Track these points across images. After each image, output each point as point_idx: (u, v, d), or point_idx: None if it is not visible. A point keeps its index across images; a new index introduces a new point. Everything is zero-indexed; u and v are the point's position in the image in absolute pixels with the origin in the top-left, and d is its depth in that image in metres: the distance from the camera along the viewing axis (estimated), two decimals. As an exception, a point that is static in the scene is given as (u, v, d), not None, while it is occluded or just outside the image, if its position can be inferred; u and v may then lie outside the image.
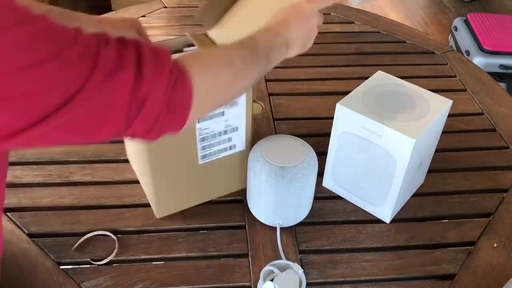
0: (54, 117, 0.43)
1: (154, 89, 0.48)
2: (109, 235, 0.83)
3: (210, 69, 0.56)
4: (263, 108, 1.11)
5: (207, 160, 0.82)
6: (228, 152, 0.84)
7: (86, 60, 0.44)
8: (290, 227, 0.85)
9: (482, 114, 1.14)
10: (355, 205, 0.90)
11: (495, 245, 0.84)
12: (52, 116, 0.43)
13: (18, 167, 0.95)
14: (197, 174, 0.83)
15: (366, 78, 0.88)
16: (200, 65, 0.55)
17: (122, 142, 1.00)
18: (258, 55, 0.62)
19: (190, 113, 0.53)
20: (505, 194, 0.94)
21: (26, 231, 0.83)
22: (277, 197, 0.78)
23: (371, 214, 0.89)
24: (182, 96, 0.52)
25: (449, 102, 0.84)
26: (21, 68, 0.40)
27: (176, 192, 0.84)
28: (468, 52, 2.09)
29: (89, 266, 0.79)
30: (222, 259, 0.81)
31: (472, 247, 0.84)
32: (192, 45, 0.81)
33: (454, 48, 2.19)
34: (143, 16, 1.47)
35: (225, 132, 0.81)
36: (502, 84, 2.03)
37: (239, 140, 0.84)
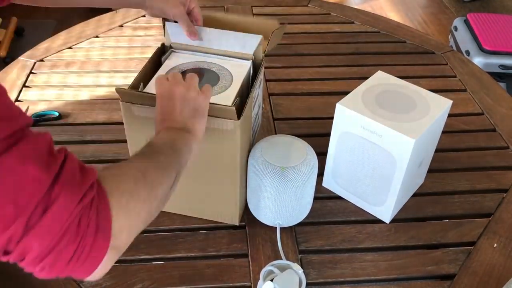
0: None
1: (62, 199, 0.42)
2: (109, 235, 0.83)
3: (126, 188, 0.50)
4: (263, 108, 1.11)
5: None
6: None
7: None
8: (290, 227, 0.85)
9: (482, 114, 1.14)
10: (355, 205, 0.90)
11: (495, 245, 0.84)
12: None
13: (18, 167, 0.95)
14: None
15: (366, 78, 0.88)
16: (116, 185, 0.49)
17: (122, 142, 1.00)
18: (165, 154, 0.59)
19: (109, 243, 0.46)
20: (505, 194, 0.94)
21: (26, 231, 0.83)
22: (277, 197, 0.78)
23: (371, 214, 0.89)
24: (98, 223, 0.45)
25: (449, 102, 0.84)
26: None
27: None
28: (468, 52, 2.09)
29: (89, 266, 0.78)
30: (222, 259, 0.81)
31: (472, 247, 0.84)
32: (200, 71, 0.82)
33: (454, 48, 2.19)
34: (143, 16, 1.47)
35: (257, 113, 0.87)
36: (502, 84, 2.03)
37: (260, 115, 0.92)
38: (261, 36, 0.80)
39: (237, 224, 0.85)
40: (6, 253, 0.43)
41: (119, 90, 0.72)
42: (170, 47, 0.87)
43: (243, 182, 0.82)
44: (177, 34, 0.85)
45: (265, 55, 0.84)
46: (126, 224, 0.48)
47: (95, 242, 0.45)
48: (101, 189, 0.47)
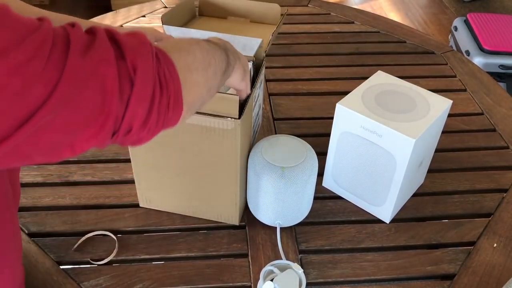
0: (40, 114, 0.38)
1: (139, 61, 0.44)
2: (109, 235, 0.83)
3: (182, 47, 0.54)
4: (263, 108, 1.11)
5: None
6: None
7: (58, 41, 0.39)
8: (290, 227, 0.85)
9: (482, 114, 1.14)
10: (355, 205, 0.90)
11: (495, 245, 0.84)
12: (37, 114, 0.37)
13: (18, 167, 0.95)
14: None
15: (366, 78, 0.88)
16: (171, 45, 0.52)
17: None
18: (218, 47, 0.60)
19: (182, 91, 0.50)
20: (505, 194, 0.94)
21: (26, 231, 0.83)
22: (277, 197, 0.78)
23: (371, 214, 0.89)
24: (169, 70, 0.48)
25: (449, 102, 0.84)
26: None
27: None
28: (468, 52, 2.09)
29: (89, 266, 0.79)
30: (222, 259, 0.81)
31: (472, 247, 0.84)
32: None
33: (454, 48, 2.19)
34: (143, 16, 1.47)
35: (258, 113, 0.86)
36: (502, 84, 2.03)
37: (261, 115, 0.91)
38: (261, 40, 0.81)
39: (237, 224, 0.85)
40: (113, 134, 0.45)
41: None
42: None
43: (243, 182, 0.82)
44: (175, 36, 0.85)
45: (266, 55, 0.85)
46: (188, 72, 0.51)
47: (174, 89, 0.49)
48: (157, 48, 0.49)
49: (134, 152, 0.81)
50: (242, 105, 0.74)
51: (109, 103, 0.42)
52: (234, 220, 0.85)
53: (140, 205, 0.88)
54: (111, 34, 0.45)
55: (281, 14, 0.93)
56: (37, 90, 0.37)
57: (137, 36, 0.47)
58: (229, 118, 0.71)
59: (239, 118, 0.71)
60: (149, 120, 0.46)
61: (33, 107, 0.37)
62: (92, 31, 0.44)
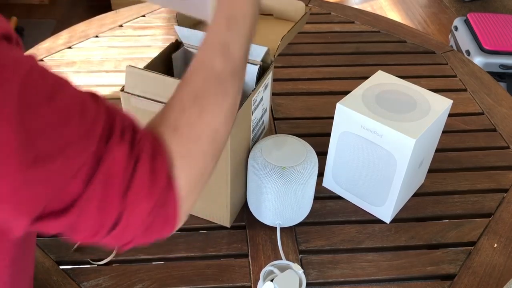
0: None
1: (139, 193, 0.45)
2: (109, 235, 0.83)
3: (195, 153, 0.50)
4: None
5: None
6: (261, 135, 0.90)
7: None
8: (290, 227, 0.85)
9: (482, 114, 1.14)
10: (355, 205, 0.90)
11: (495, 245, 0.84)
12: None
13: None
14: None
15: (366, 78, 0.88)
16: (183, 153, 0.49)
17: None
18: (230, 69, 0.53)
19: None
20: (505, 194, 0.94)
21: (26, 231, 0.83)
22: (277, 197, 0.78)
23: (371, 214, 0.89)
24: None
25: (449, 102, 0.84)
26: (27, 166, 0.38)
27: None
28: (468, 52, 2.09)
29: (89, 266, 0.78)
30: (222, 259, 0.81)
31: (472, 247, 0.84)
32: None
33: (455, 48, 2.19)
34: (143, 16, 1.47)
35: (261, 117, 0.85)
36: (503, 84, 2.03)
37: (266, 119, 0.89)
38: (266, 48, 0.79)
39: (228, 226, 0.85)
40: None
41: (130, 67, 0.72)
42: (182, 44, 0.86)
43: (237, 184, 0.82)
44: (187, 37, 0.84)
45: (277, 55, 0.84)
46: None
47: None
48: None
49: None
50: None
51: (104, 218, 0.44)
52: (225, 221, 0.85)
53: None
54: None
55: (305, 13, 0.90)
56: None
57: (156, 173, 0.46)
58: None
59: None
60: (147, 221, 0.47)
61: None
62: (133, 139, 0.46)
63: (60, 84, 0.42)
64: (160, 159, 0.46)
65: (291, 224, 0.84)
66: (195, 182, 0.50)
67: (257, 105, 0.83)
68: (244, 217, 0.87)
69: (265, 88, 0.85)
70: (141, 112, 0.75)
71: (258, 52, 0.81)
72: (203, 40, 0.53)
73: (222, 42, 0.52)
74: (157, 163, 0.46)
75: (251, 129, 0.83)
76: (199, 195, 0.52)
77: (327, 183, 0.93)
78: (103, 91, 1.17)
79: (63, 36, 1.38)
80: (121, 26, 1.42)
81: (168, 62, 0.83)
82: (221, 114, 0.51)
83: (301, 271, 0.70)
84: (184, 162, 0.48)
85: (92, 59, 1.28)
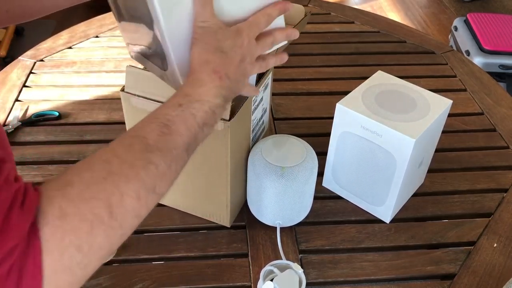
0: None
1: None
2: (109, 235, 0.83)
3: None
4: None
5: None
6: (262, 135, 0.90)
7: None
8: (290, 227, 0.85)
9: (482, 114, 1.14)
10: (355, 205, 0.90)
11: (495, 245, 0.84)
12: None
13: (18, 167, 0.95)
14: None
15: (366, 78, 0.88)
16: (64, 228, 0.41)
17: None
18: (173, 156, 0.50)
19: None
20: (505, 194, 0.94)
21: (26, 231, 0.83)
22: (277, 197, 0.78)
23: (371, 214, 0.89)
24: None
25: (449, 102, 0.84)
26: None
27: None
28: (468, 52, 2.09)
29: (89, 266, 0.78)
30: (222, 259, 0.81)
31: (472, 247, 0.84)
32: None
33: (454, 48, 2.19)
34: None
35: (261, 117, 0.85)
36: (502, 84, 2.03)
37: (266, 119, 0.89)
38: None
39: (228, 226, 0.85)
40: None
41: (130, 67, 0.72)
42: None
43: (237, 184, 0.82)
44: None
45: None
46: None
47: None
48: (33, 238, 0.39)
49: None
50: (237, 107, 0.73)
51: None
52: (225, 221, 0.85)
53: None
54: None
55: (305, 15, 0.90)
56: None
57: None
58: (219, 119, 0.71)
59: (229, 120, 0.71)
60: None
61: None
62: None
63: None
64: (28, 201, 0.40)
65: (291, 224, 0.84)
66: (70, 254, 0.41)
67: (257, 105, 0.83)
68: (244, 217, 0.87)
69: (265, 88, 0.85)
70: (141, 112, 0.75)
71: None
72: (151, 112, 0.52)
73: (165, 118, 0.51)
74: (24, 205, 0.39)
75: (251, 129, 0.83)
76: (79, 278, 0.43)
77: (327, 183, 0.93)
78: (103, 91, 1.17)
79: (64, 36, 1.38)
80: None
81: None
82: (133, 185, 0.45)
83: (301, 271, 0.70)
84: (62, 222, 0.41)
85: (92, 59, 1.28)
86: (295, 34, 0.65)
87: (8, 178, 0.40)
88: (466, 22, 2.24)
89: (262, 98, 0.84)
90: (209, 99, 0.54)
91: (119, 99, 0.76)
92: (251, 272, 0.79)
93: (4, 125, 1.05)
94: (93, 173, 0.44)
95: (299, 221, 0.84)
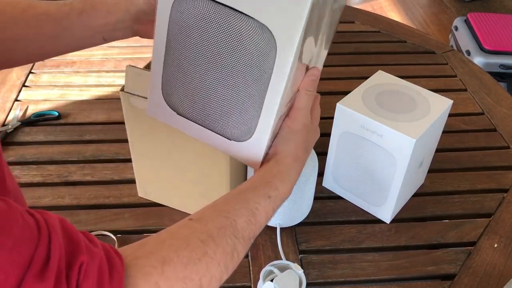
0: None
1: None
2: (109, 235, 0.83)
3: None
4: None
5: None
6: None
7: None
8: (290, 227, 0.85)
9: (482, 114, 1.14)
10: (355, 205, 0.90)
11: (496, 245, 0.84)
12: None
13: (17, 167, 0.95)
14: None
15: (366, 78, 0.88)
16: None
17: (122, 141, 1.00)
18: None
19: None
20: (505, 194, 0.94)
21: (26, 231, 0.83)
22: (277, 197, 0.78)
23: (371, 214, 0.89)
24: None
25: (450, 102, 0.84)
26: None
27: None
28: (468, 52, 2.09)
29: (88, 266, 0.78)
30: (222, 259, 0.81)
31: (473, 247, 0.84)
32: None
33: (455, 47, 2.19)
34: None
35: None
36: (503, 84, 2.03)
37: None
38: None
39: None
40: None
41: (130, 67, 0.72)
42: None
43: (236, 185, 0.81)
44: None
45: None
46: None
47: None
48: None
49: (133, 139, 0.81)
50: None
51: None
52: None
53: (139, 195, 0.88)
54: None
55: None
56: None
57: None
58: None
59: None
60: None
61: None
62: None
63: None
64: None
65: (291, 224, 0.84)
66: None
67: None
68: (244, 217, 0.87)
69: None
70: (141, 112, 0.75)
71: None
72: (243, 191, 0.53)
73: (254, 206, 0.52)
74: None
75: None
76: None
77: (327, 183, 0.93)
78: (103, 91, 1.17)
79: (63, 36, 1.37)
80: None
81: None
82: (220, 269, 0.49)
83: (301, 271, 0.70)
84: None
85: (92, 59, 1.28)
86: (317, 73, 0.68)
87: (89, 247, 0.40)
88: (467, 22, 2.24)
89: None
90: (288, 196, 0.57)
91: (119, 99, 0.75)
92: (251, 272, 0.78)
93: (4, 125, 1.04)
94: (191, 252, 0.46)
95: (299, 221, 0.84)
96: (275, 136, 0.59)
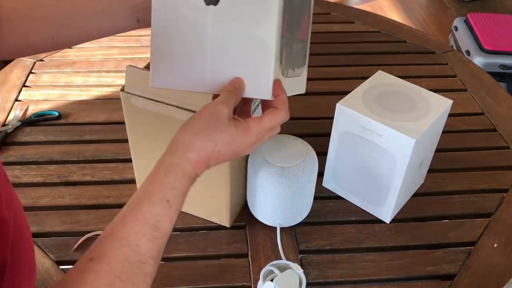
0: None
1: None
2: (109, 235, 0.83)
3: None
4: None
5: None
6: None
7: None
8: (290, 227, 0.85)
9: (482, 114, 1.14)
10: (355, 205, 0.90)
11: (496, 245, 0.84)
12: None
13: (17, 167, 0.95)
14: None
15: (366, 78, 0.88)
16: None
17: (122, 141, 1.00)
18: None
19: None
20: (505, 194, 0.94)
21: (26, 231, 0.83)
22: (277, 197, 0.78)
23: (371, 214, 0.89)
24: None
25: (450, 102, 0.84)
26: None
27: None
28: (468, 52, 2.09)
29: (88, 266, 0.78)
30: (222, 259, 0.81)
31: (473, 247, 0.84)
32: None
33: (455, 48, 2.19)
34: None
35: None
36: (503, 84, 2.03)
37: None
38: None
39: (228, 226, 0.85)
40: None
41: (130, 67, 0.72)
42: None
43: (236, 185, 0.82)
44: None
45: None
46: None
47: None
48: None
49: (133, 139, 0.81)
50: (236, 107, 0.73)
51: None
52: (225, 221, 0.85)
53: None
54: None
55: None
56: None
57: None
58: None
59: None
60: None
61: None
62: None
63: None
64: None
65: (291, 224, 0.84)
66: None
67: (257, 105, 0.83)
68: (244, 217, 0.87)
69: None
70: (141, 112, 0.75)
71: None
72: (138, 207, 0.49)
73: (154, 219, 0.49)
74: None
75: None
76: None
77: (327, 183, 0.93)
78: (103, 91, 1.17)
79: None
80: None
81: None
82: None
83: (301, 271, 0.70)
84: None
85: (92, 59, 1.28)
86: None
87: None
88: (467, 22, 2.24)
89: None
90: (190, 185, 0.53)
91: (119, 99, 0.75)
92: (251, 272, 0.78)
93: (4, 125, 1.05)
94: None
95: (299, 221, 0.84)
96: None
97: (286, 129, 1.07)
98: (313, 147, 0.82)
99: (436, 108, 0.82)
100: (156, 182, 0.51)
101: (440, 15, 3.12)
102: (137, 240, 0.47)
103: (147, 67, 0.77)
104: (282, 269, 0.71)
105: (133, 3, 0.67)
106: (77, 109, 1.11)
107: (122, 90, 0.74)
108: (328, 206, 0.90)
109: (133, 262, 0.47)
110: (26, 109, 1.10)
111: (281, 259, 0.77)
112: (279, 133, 1.06)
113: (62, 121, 1.08)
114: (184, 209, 0.87)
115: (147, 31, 0.73)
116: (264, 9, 0.55)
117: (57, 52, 1.30)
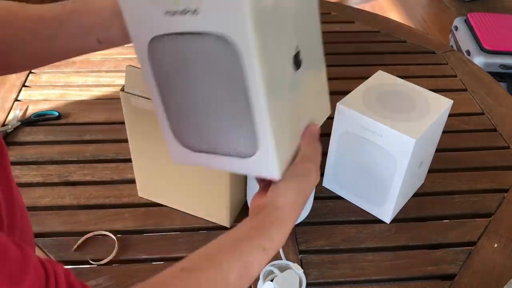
0: None
1: None
2: (109, 235, 0.83)
3: None
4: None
5: None
6: None
7: None
8: (290, 227, 0.85)
9: (482, 114, 1.14)
10: (355, 205, 0.90)
11: (496, 245, 0.84)
12: None
13: (17, 167, 0.95)
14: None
15: (366, 78, 0.88)
16: None
17: (122, 141, 1.00)
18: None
19: None
20: (505, 194, 0.94)
21: (26, 231, 0.83)
22: (277, 197, 0.78)
23: (371, 214, 0.89)
24: None
25: (450, 102, 0.84)
26: None
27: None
28: (468, 52, 2.09)
29: (89, 266, 0.78)
30: (222, 259, 0.81)
31: (473, 248, 0.84)
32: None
33: (455, 47, 2.19)
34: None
35: None
36: (503, 84, 2.02)
37: None
38: None
39: (228, 226, 0.85)
40: None
41: (130, 67, 0.72)
42: None
43: (236, 185, 0.82)
44: None
45: None
46: None
47: None
48: None
49: (133, 139, 0.81)
50: None
51: None
52: (225, 221, 0.85)
53: (139, 195, 0.89)
54: None
55: None
56: None
57: None
58: None
59: None
60: None
61: None
62: None
63: None
64: None
65: (291, 224, 0.84)
66: None
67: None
68: (244, 217, 0.87)
69: None
70: (141, 112, 0.75)
71: None
72: (239, 239, 0.51)
73: (248, 260, 0.50)
74: None
75: None
76: None
77: (327, 183, 0.93)
78: (103, 91, 1.17)
79: (63, 36, 1.37)
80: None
81: None
82: None
83: (301, 271, 0.70)
84: None
85: (92, 59, 1.28)
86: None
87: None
88: (467, 21, 2.24)
89: None
90: (281, 246, 0.54)
91: (119, 99, 0.75)
92: (251, 272, 0.78)
93: (4, 125, 1.04)
94: None
95: (299, 221, 0.84)
96: (296, 154, 0.58)
97: (286, 129, 1.07)
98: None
99: (436, 108, 0.81)
100: (260, 229, 0.53)
101: (440, 15, 3.12)
102: (228, 270, 0.49)
103: None
104: (282, 269, 0.71)
105: (89, 21, 0.63)
106: (77, 109, 1.11)
107: (122, 90, 0.74)
108: (328, 206, 0.90)
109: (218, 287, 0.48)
110: (26, 109, 1.10)
111: (281, 259, 0.77)
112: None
113: (62, 121, 1.08)
114: (184, 209, 0.87)
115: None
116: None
117: (57, 52, 1.30)
